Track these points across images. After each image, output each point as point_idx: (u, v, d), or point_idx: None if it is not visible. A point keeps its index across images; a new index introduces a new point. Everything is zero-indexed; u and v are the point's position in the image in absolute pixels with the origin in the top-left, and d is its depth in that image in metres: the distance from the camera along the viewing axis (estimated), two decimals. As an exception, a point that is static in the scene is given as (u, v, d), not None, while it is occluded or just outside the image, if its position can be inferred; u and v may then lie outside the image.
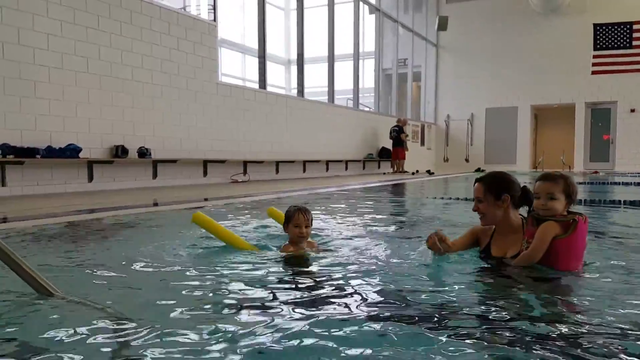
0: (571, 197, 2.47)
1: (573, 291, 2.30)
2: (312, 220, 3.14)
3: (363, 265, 2.77)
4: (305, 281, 2.49)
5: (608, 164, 20.52)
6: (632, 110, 19.93)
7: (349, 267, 2.73)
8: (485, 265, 2.64)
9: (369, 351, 1.56)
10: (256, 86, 12.78)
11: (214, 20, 10.79)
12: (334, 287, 2.33)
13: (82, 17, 7.97)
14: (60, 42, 7.65)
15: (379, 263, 2.85)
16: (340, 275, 2.53)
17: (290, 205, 3.20)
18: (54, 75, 7.58)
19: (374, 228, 4.32)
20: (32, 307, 2.03)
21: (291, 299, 2.14)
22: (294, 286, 2.38)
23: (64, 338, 1.68)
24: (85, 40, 8.03)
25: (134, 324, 1.80)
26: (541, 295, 2.18)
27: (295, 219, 3.04)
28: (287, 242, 3.13)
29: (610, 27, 18.64)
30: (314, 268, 2.79)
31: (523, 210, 2.72)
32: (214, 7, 10.82)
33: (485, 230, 2.81)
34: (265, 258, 2.97)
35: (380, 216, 5.47)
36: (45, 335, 1.71)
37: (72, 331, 1.74)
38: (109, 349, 1.58)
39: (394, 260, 2.92)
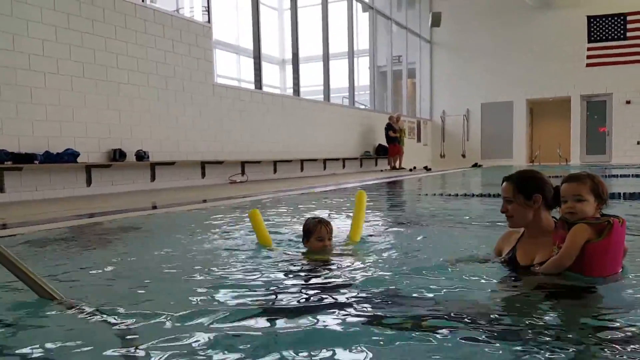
0: (601, 196, 2.25)
1: (609, 300, 2.08)
2: (332, 231, 2.99)
3: (387, 268, 2.69)
4: (327, 285, 2.39)
5: (605, 156, 20.57)
6: (628, 102, 19.96)
7: (370, 270, 2.66)
8: (509, 272, 2.44)
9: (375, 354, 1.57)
10: (252, 87, 12.78)
11: (208, 21, 10.78)
12: (357, 291, 2.24)
13: (77, 22, 7.95)
14: (55, 48, 7.64)
15: (400, 266, 2.76)
16: (363, 279, 2.45)
17: (308, 218, 3.05)
18: (49, 80, 7.58)
19: (383, 227, 4.31)
20: (35, 312, 2.03)
21: (310, 305, 2.13)
22: (318, 290, 2.30)
23: (66, 343, 1.68)
24: (80, 45, 8.02)
25: (137, 328, 1.80)
26: (572, 305, 2.03)
27: (318, 232, 2.89)
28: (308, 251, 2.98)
29: (604, 19, 18.68)
30: (336, 271, 2.65)
31: (556, 213, 2.50)
32: (208, 9, 10.81)
33: (509, 235, 2.62)
34: (288, 260, 2.86)
35: (386, 214, 5.49)
36: (48, 340, 1.71)
37: (75, 336, 1.74)
38: (113, 354, 1.58)
39: (410, 262, 2.87)
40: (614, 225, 2.15)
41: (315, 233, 2.90)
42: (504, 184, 2.50)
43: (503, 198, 2.50)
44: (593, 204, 2.24)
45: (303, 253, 2.99)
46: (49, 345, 1.68)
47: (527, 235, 2.50)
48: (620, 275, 2.28)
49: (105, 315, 1.94)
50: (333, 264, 2.77)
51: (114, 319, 1.91)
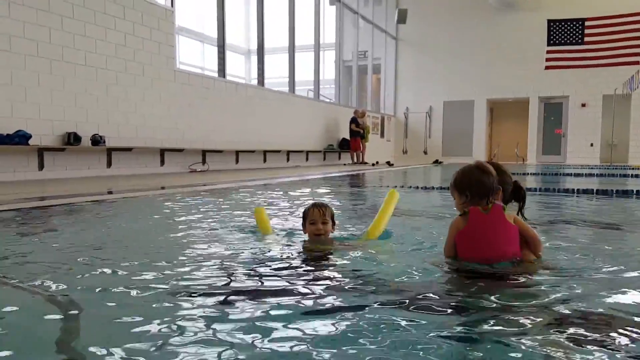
0: (466, 191, 2.35)
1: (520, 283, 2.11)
2: (333, 216, 2.84)
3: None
4: (312, 278, 2.18)
5: (560, 157, 21.22)
6: (583, 105, 20.63)
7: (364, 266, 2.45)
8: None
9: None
10: (215, 75, 12.56)
11: (172, 5, 10.51)
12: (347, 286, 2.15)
13: (31, -3, 7.61)
14: (8, 24, 7.29)
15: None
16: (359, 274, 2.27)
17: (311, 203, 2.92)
18: (1, 58, 7.22)
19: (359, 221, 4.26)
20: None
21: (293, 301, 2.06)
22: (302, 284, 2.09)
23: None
24: (35, 22, 7.68)
25: (81, 311, 1.71)
26: (485, 286, 2.05)
27: (311, 215, 2.76)
28: (307, 240, 2.83)
29: (563, 23, 19.18)
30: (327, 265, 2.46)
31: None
32: (172, -8, 10.54)
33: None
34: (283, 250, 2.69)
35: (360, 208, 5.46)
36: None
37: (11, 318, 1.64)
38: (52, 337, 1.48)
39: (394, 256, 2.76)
40: (470, 213, 2.30)
41: (309, 217, 2.78)
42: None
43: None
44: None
45: (302, 241, 2.83)
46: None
47: None
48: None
49: (45, 296, 1.84)
50: (329, 254, 2.59)
51: (59, 301, 1.81)
